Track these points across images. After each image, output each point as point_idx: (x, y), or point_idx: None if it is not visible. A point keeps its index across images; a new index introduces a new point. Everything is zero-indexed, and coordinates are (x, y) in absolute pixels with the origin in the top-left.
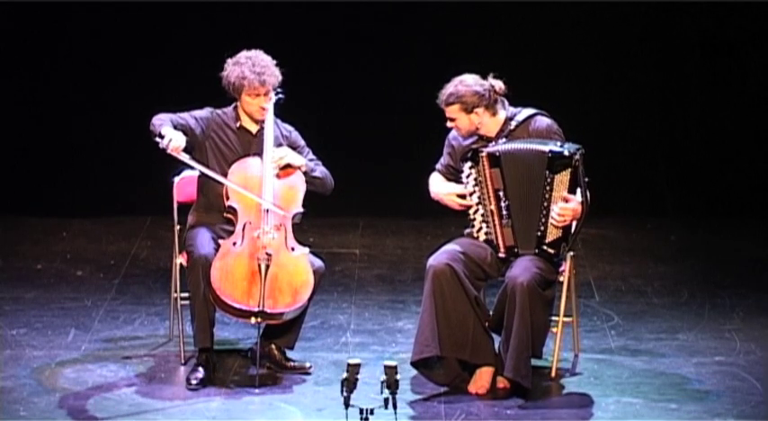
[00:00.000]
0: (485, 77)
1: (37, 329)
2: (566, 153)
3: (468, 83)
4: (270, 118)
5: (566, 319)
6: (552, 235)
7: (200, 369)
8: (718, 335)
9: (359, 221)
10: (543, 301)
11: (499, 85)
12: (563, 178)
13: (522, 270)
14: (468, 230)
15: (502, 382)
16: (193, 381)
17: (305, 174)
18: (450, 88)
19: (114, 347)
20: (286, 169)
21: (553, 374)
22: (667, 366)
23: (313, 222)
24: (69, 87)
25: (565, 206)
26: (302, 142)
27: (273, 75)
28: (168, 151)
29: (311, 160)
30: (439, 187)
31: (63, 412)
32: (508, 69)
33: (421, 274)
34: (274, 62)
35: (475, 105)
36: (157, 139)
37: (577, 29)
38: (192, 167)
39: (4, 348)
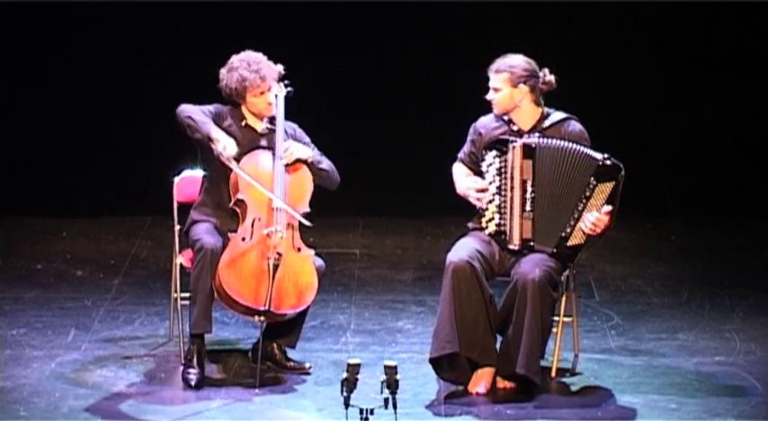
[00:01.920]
0: (540, 68)
1: (37, 329)
2: (614, 165)
3: (523, 58)
4: (281, 114)
5: (566, 319)
6: (576, 239)
7: (195, 364)
8: (718, 335)
9: (359, 221)
10: (551, 300)
11: (550, 78)
12: (605, 189)
13: (533, 266)
14: (472, 223)
15: (502, 382)
16: (193, 382)
17: (311, 165)
18: (504, 58)
19: (114, 347)
20: (294, 164)
21: (553, 374)
22: (667, 366)
23: (313, 222)
24: (69, 87)
25: (600, 217)
26: (307, 138)
27: (270, 67)
28: (222, 159)
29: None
30: (460, 183)
31: (63, 412)
32: None
33: (421, 274)
34: (266, 57)
35: (521, 80)
36: (212, 145)
37: (578, 28)
38: (233, 172)
39: (4, 348)
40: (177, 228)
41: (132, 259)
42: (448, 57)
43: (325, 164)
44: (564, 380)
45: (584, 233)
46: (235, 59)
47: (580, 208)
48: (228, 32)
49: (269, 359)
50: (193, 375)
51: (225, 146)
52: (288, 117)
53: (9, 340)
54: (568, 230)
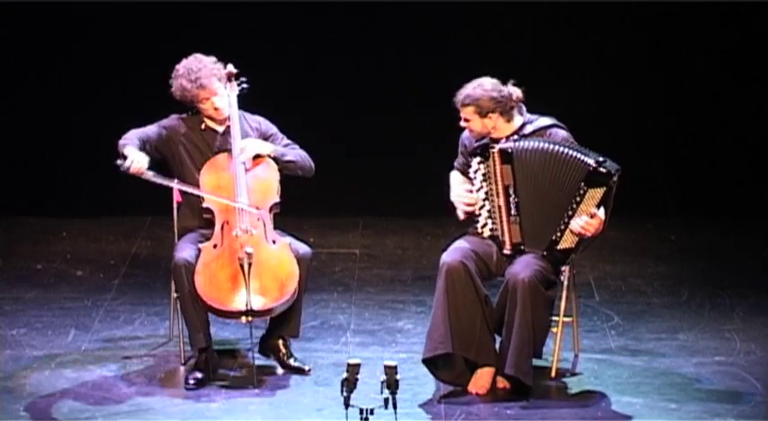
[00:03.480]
0: (504, 83)
1: (37, 329)
2: (606, 171)
3: (486, 87)
4: (234, 113)
5: (566, 319)
6: (566, 243)
7: (199, 369)
8: (718, 335)
9: (359, 221)
10: (544, 299)
11: (517, 93)
12: (595, 194)
13: (524, 266)
14: (472, 228)
15: (502, 382)
16: (191, 382)
17: (276, 160)
18: (467, 90)
19: (114, 347)
20: (255, 160)
21: (553, 374)
22: (667, 366)
23: (313, 222)
24: (69, 87)
25: (590, 221)
26: (274, 130)
27: (211, 74)
28: (130, 172)
29: (286, 145)
30: (453, 190)
31: (63, 412)
32: (507, 67)
33: (421, 274)
34: (213, 60)
35: (490, 110)
36: (119, 161)
37: (578, 29)
38: (159, 185)
39: (4, 348)
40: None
41: (132, 259)
42: (448, 57)
43: (292, 155)
44: (564, 380)
45: (573, 237)
46: (180, 66)
47: (570, 212)
48: (228, 32)
49: (273, 352)
50: (194, 376)
51: (132, 160)
52: (261, 112)
53: (9, 340)
54: (558, 234)
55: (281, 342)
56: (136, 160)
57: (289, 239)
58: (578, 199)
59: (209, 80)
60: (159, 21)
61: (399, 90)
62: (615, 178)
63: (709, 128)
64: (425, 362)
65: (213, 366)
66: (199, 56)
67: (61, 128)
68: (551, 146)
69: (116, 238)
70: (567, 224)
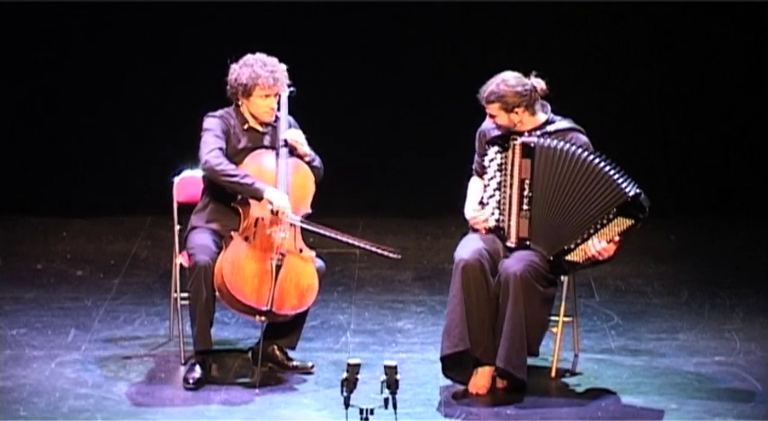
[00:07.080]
0: (527, 75)
1: (37, 329)
2: (642, 206)
3: (510, 82)
4: (284, 114)
5: (566, 319)
6: (576, 256)
7: (197, 368)
8: (718, 335)
9: (359, 221)
10: (539, 295)
11: (541, 85)
12: (623, 223)
13: (517, 260)
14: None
15: (501, 382)
16: (191, 381)
17: (308, 164)
18: (491, 86)
19: (114, 347)
20: (297, 165)
21: (553, 374)
22: (667, 366)
23: (313, 222)
24: (69, 87)
25: (607, 247)
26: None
27: (283, 73)
28: (279, 216)
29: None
30: (467, 207)
31: (63, 412)
32: (507, 67)
33: (421, 274)
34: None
35: (515, 105)
36: (268, 206)
37: (577, 28)
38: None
39: (4, 348)
40: (177, 228)
41: (132, 259)
42: (448, 57)
43: (317, 161)
44: (564, 380)
45: (585, 255)
46: (250, 57)
47: (591, 230)
48: (229, 33)
49: (270, 360)
50: (193, 376)
51: (282, 208)
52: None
53: (9, 340)
54: (572, 246)
55: (276, 347)
56: (285, 206)
57: (313, 253)
58: (605, 221)
59: (283, 78)
60: (159, 21)
61: (399, 90)
62: (646, 215)
63: (709, 128)
64: (441, 359)
65: (210, 365)
66: (266, 56)
67: (62, 128)
68: (587, 156)
69: (116, 238)
70: (584, 240)
